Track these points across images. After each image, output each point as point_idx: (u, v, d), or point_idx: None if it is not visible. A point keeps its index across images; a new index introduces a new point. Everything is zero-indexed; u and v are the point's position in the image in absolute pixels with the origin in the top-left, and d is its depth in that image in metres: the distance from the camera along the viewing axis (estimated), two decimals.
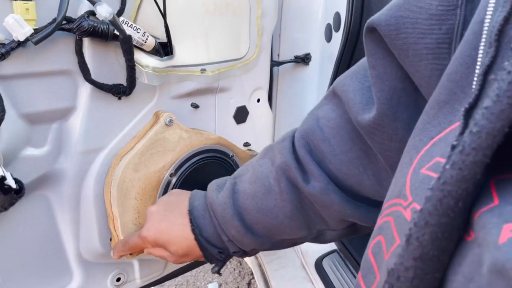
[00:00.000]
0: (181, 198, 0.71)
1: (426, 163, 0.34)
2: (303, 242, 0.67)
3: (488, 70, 0.29)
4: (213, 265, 0.71)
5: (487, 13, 0.32)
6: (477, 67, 0.31)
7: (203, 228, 0.65)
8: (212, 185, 0.69)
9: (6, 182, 0.51)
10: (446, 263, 0.29)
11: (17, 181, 0.53)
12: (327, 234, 0.64)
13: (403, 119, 0.49)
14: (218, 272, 0.69)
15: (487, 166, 0.27)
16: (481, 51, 0.31)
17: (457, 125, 0.33)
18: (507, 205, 0.26)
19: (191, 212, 0.67)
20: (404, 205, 0.35)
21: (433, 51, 0.41)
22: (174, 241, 0.66)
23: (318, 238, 0.65)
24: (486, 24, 0.32)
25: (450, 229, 0.28)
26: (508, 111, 0.25)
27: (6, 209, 0.52)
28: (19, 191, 0.53)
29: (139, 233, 0.71)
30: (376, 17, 0.46)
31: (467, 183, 0.27)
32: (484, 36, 0.31)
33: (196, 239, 0.65)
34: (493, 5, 0.31)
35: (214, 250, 0.66)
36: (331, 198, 0.56)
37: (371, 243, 0.40)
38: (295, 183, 0.59)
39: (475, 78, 0.31)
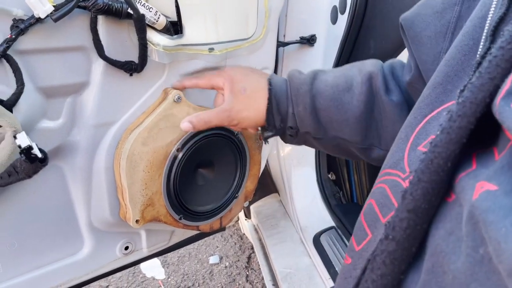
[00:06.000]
0: (259, 70, 0.78)
1: (423, 141, 0.40)
2: (351, 151, 0.73)
3: (483, 58, 0.34)
4: (267, 133, 0.76)
5: (490, 11, 0.37)
6: (477, 56, 0.36)
7: (278, 91, 0.71)
8: (295, 70, 0.75)
9: (32, 151, 0.54)
10: (431, 217, 0.35)
11: (41, 150, 0.57)
12: (375, 151, 0.70)
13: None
14: (266, 138, 0.75)
15: (472, 139, 0.32)
16: (482, 43, 0.37)
17: (449, 104, 0.38)
18: (482, 169, 0.32)
19: (270, 78, 0.73)
20: (402, 177, 0.41)
21: (431, 39, 0.49)
22: (250, 85, 0.72)
23: (366, 151, 0.71)
24: (488, 21, 0.37)
25: (439, 187, 0.34)
26: (488, 84, 0.30)
27: (30, 176, 0.56)
28: (44, 160, 0.57)
29: (222, 71, 0.77)
30: (404, 14, 0.56)
31: (454, 145, 0.32)
32: (485, 30, 0.37)
33: (269, 97, 0.71)
34: (494, 4, 0.37)
35: (277, 117, 0.72)
36: (402, 113, 0.64)
37: (363, 208, 0.46)
38: (376, 91, 0.66)
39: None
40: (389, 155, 0.45)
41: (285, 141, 0.77)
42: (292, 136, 0.74)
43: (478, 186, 0.30)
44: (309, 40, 1.17)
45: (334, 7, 1.11)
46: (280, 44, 1.16)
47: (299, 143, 0.76)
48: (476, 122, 0.31)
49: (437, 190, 0.33)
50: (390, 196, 0.42)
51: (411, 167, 0.39)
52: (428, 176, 0.33)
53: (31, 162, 0.54)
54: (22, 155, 0.54)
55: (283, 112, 0.71)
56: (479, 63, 0.33)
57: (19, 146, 0.54)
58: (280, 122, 0.72)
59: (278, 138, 0.78)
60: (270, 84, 0.72)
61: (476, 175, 0.31)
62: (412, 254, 0.35)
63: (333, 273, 1.11)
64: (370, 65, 0.68)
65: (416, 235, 0.35)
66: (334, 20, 1.12)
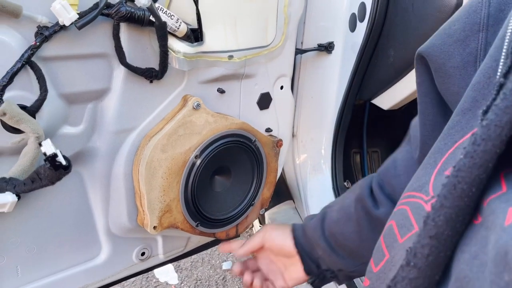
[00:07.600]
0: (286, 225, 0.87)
1: (450, 166, 0.38)
2: None
3: (505, 77, 0.32)
4: (310, 279, 0.81)
5: (508, 29, 0.35)
6: (498, 75, 0.35)
7: (299, 240, 0.79)
8: (308, 216, 0.83)
9: (57, 159, 0.55)
10: (456, 243, 0.33)
11: (65, 158, 0.57)
12: None
13: None
14: (314, 285, 0.80)
15: (498, 160, 0.31)
16: (501, 62, 0.35)
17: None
18: None
19: (294, 228, 0.81)
20: (425, 199, 0.39)
21: (459, 70, 0.46)
22: (280, 242, 0.81)
23: None
24: (507, 39, 0.35)
25: (464, 213, 0.32)
26: None
27: (53, 183, 0.56)
28: (67, 167, 0.57)
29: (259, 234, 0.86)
30: (420, 48, 0.53)
31: (479, 170, 0.30)
32: (504, 49, 0.35)
33: (295, 244, 0.79)
34: None
35: (312, 264, 0.78)
36: None
37: (384, 230, 0.45)
38: (367, 210, 0.68)
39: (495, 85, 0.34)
40: (414, 179, 0.44)
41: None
42: (333, 277, 0.79)
43: (511, 210, 0.28)
44: (327, 48, 1.16)
45: (353, 15, 1.11)
46: (298, 51, 1.15)
47: (347, 281, 0.81)
48: (503, 145, 0.30)
49: (461, 216, 0.32)
50: (411, 217, 0.40)
51: (435, 191, 0.38)
52: (451, 201, 0.32)
53: (55, 170, 0.54)
54: (47, 162, 0.54)
55: (312, 257, 0.78)
56: (502, 84, 0.31)
57: (44, 154, 0.54)
58: (316, 268, 0.78)
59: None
60: (293, 234, 0.79)
61: (508, 199, 0.30)
62: (435, 282, 0.34)
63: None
64: (359, 186, 0.72)
65: (439, 262, 0.33)
66: (352, 27, 1.12)
